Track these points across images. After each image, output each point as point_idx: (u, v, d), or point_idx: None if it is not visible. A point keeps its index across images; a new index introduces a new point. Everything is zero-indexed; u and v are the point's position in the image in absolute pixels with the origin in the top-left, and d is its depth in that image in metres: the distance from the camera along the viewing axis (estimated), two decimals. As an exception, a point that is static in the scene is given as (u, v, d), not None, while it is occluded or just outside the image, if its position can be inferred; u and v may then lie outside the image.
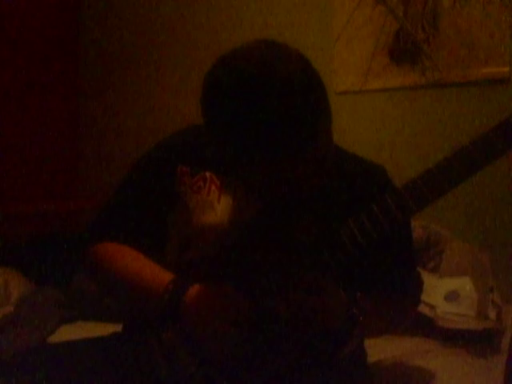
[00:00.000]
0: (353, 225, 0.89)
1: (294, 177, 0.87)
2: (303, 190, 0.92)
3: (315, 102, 0.82)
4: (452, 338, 1.49)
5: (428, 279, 1.42)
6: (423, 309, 1.54)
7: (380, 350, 1.36)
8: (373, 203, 0.89)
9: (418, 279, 1.15)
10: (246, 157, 0.84)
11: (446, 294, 1.58)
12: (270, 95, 0.78)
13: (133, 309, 1.10)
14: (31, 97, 2.77)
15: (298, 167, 0.85)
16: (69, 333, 1.68)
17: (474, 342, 1.46)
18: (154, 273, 1.01)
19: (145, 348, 0.98)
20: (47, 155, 2.82)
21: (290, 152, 0.82)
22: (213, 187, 1.05)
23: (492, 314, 1.52)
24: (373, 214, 0.88)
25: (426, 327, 1.54)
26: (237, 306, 0.92)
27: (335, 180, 1.02)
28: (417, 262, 1.25)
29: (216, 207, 1.04)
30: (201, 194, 1.05)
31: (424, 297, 1.44)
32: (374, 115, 2.16)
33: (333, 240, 0.90)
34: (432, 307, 1.55)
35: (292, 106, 0.79)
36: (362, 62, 2.15)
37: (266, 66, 0.80)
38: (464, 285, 1.59)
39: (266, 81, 0.79)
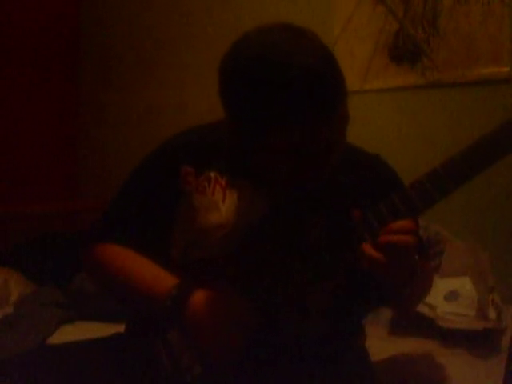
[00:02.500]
0: (360, 225, 0.89)
1: (311, 156, 0.88)
2: (314, 179, 0.93)
3: (335, 70, 0.89)
4: (452, 337, 1.49)
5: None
6: (423, 309, 1.54)
7: (381, 349, 1.36)
8: (380, 202, 0.89)
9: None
10: (269, 131, 0.86)
11: (446, 293, 1.58)
12: (295, 66, 0.82)
13: (135, 310, 1.10)
14: (31, 97, 2.77)
15: (319, 140, 0.87)
16: (69, 333, 1.68)
17: (474, 342, 1.46)
18: (156, 276, 1.01)
19: (149, 349, 0.98)
20: (47, 155, 2.83)
21: (314, 115, 0.84)
22: (217, 187, 1.05)
23: (492, 314, 1.52)
24: (380, 213, 0.88)
25: (426, 327, 1.54)
26: (240, 314, 0.92)
27: (340, 176, 1.03)
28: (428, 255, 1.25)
29: (221, 207, 1.03)
30: (206, 194, 1.05)
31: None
32: (373, 115, 2.16)
33: (340, 239, 0.90)
34: (432, 307, 1.55)
35: (314, 70, 0.83)
36: (362, 62, 2.15)
37: (289, 43, 0.84)
38: (464, 285, 1.59)
39: (290, 54, 0.83)
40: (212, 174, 1.05)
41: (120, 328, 1.14)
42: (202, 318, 0.92)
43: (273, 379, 0.96)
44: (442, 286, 1.60)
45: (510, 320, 1.56)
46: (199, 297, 0.94)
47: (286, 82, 0.82)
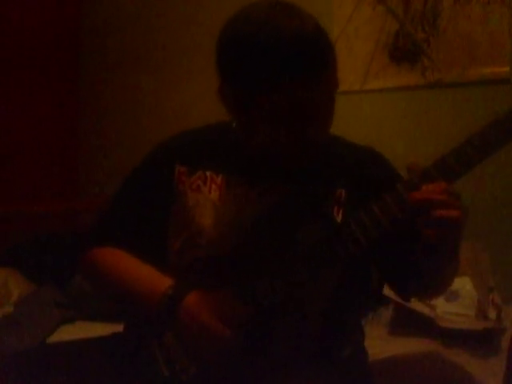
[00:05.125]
0: (353, 225, 0.89)
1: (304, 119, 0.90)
2: (310, 147, 0.95)
3: (325, 35, 0.92)
4: (452, 337, 1.49)
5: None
6: (423, 309, 1.54)
7: (380, 350, 1.36)
8: (372, 203, 0.89)
9: None
10: (265, 90, 0.88)
11: (446, 294, 1.58)
12: (289, 27, 0.87)
13: (132, 312, 1.10)
14: (31, 97, 2.77)
15: (314, 95, 0.89)
16: (69, 333, 1.68)
17: (474, 342, 1.46)
18: (151, 278, 1.01)
19: (146, 349, 0.98)
20: (47, 155, 2.83)
21: (306, 76, 0.87)
22: (213, 186, 1.05)
23: (492, 314, 1.52)
24: (372, 213, 0.88)
25: (426, 327, 1.54)
26: (234, 313, 0.92)
27: (332, 171, 1.03)
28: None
29: (217, 205, 1.04)
30: (201, 192, 1.05)
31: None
32: (373, 115, 2.16)
33: (335, 240, 0.90)
34: (432, 307, 1.55)
35: (307, 30, 0.89)
36: (362, 61, 2.15)
37: (283, 11, 0.90)
38: (464, 285, 1.59)
39: (284, 19, 0.88)
40: (208, 173, 1.06)
41: (120, 328, 1.14)
42: (195, 319, 0.92)
43: (269, 379, 0.97)
44: (442, 286, 1.60)
45: (510, 320, 1.56)
46: (193, 298, 0.94)
47: (281, 42, 0.86)
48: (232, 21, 0.94)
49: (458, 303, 1.55)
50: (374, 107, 2.16)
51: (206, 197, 1.05)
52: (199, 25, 2.56)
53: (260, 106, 0.91)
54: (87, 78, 2.99)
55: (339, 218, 0.99)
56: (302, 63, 0.86)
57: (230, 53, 0.92)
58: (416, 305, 1.52)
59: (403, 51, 2.08)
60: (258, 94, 0.90)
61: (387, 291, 1.53)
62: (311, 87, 0.88)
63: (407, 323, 1.59)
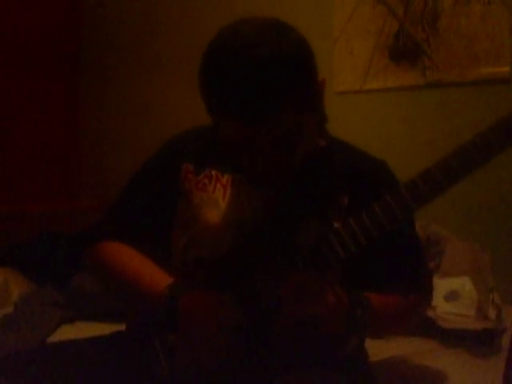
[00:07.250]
0: (354, 224, 0.89)
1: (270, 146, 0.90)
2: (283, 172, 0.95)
3: (294, 68, 0.88)
4: (452, 337, 1.49)
5: (428, 279, 1.42)
6: (423, 309, 1.54)
7: (380, 350, 1.36)
8: (373, 202, 0.89)
9: (427, 274, 1.14)
10: (225, 114, 0.89)
11: (446, 293, 1.58)
12: (245, 59, 0.85)
13: (134, 309, 1.10)
14: (32, 97, 2.77)
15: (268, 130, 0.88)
16: (69, 333, 1.68)
17: (474, 342, 1.46)
18: (152, 275, 1.01)
19: (147, 348, 0.99)
20: (47, 155, 2.83)
21: (258, 112, 0.85)
22: (218, 185, 1.06)
23: (492, 314, 1.52)
24: (373, 213, 0.88)
25: (426, 327, 1.54)
26: (230, 315, 0.92)
27: (337, 177, 1.03)
28: (424, 258, 1.23)
29: (221, 205, 1.04)
30: (206, 191, 1.06)
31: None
32: (373, 115, 2.16)
33: (334, 240, 0.90)
34: (432, 307, 1.55)
35: (261, 75, 0.84)
36: (362, 61, 2.15)
37: (249, 36, 0.89)
38: (464, 285, 1.59)
39: (245, 47, 0.87)
40: (213, 172, 1.06)
41: (120, 328, 1.14)
42: (190, 318, 0.93)
43: (269, 379, 0.96)
44: (442, 286, 1.60)
45: (510, 320, 1.56)
46: (190, 297, 0.94)
47: (237, 72, 0.85)
48: (215, 36, 0.95)
49: (458, 303, 1.55)
50: (374, 107, 2.16)
51: (210, 196, 1.05)
52: (202, 24, 2.56)
53: (218, 127, 0.93)
54: (88, 78, 2.99)
55: (340, 222, 0.99)
56: (255, 95, 0.84)
57: (200, 67, 0.95)
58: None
59: (403, 51, 2.09)
60: (216, 116, 0.93)
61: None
62: (265, 119, 0.86)
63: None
